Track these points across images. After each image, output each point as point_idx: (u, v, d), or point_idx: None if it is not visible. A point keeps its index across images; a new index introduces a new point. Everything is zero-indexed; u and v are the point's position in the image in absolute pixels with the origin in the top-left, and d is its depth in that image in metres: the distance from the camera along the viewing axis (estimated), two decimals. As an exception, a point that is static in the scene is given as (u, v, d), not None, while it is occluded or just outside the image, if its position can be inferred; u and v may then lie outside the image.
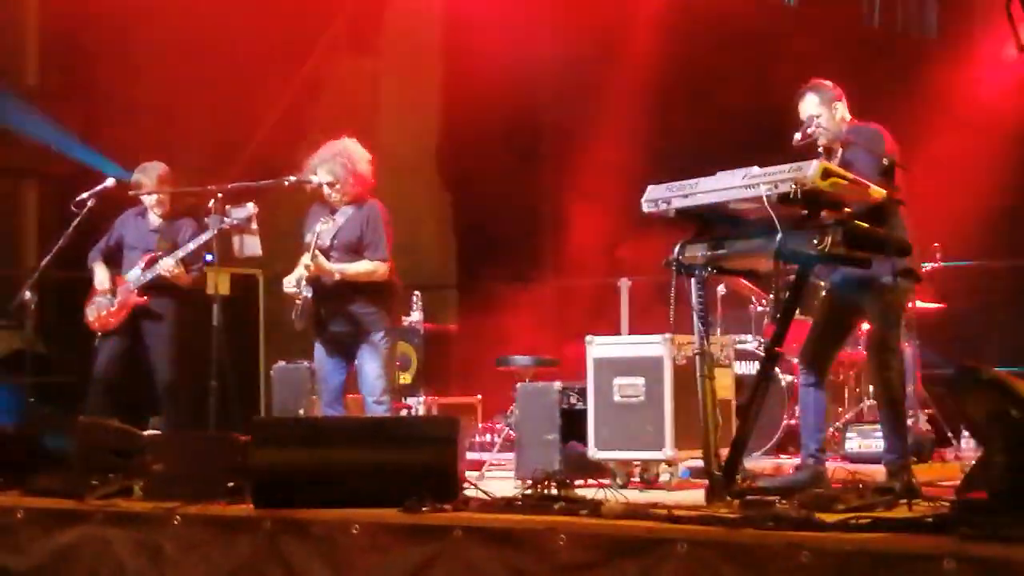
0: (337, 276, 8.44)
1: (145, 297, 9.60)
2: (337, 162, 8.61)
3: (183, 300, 9.70)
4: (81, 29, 12.97)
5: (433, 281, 13.73)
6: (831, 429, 10.02)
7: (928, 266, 9.80)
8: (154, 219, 9.85)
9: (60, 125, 12.46)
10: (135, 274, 9.60)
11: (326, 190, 8.63)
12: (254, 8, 12.69)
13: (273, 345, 11.47)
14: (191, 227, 9.70)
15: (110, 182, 9.81)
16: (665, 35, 13.21)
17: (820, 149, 7.72)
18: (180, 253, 9.42)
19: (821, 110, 7.73)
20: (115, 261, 9.86)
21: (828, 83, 7.89)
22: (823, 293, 8.43)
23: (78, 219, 9.71)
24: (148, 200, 9.78)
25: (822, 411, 7.87)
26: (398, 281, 8.84)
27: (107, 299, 9.68)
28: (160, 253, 9.58)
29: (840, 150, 7.64)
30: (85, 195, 9.75)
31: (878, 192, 6.98)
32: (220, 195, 9.16)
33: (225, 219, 9.12)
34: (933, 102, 11.92)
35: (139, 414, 9.94)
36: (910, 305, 7.93)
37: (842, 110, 7.77)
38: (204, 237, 9.19)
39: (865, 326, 8.30)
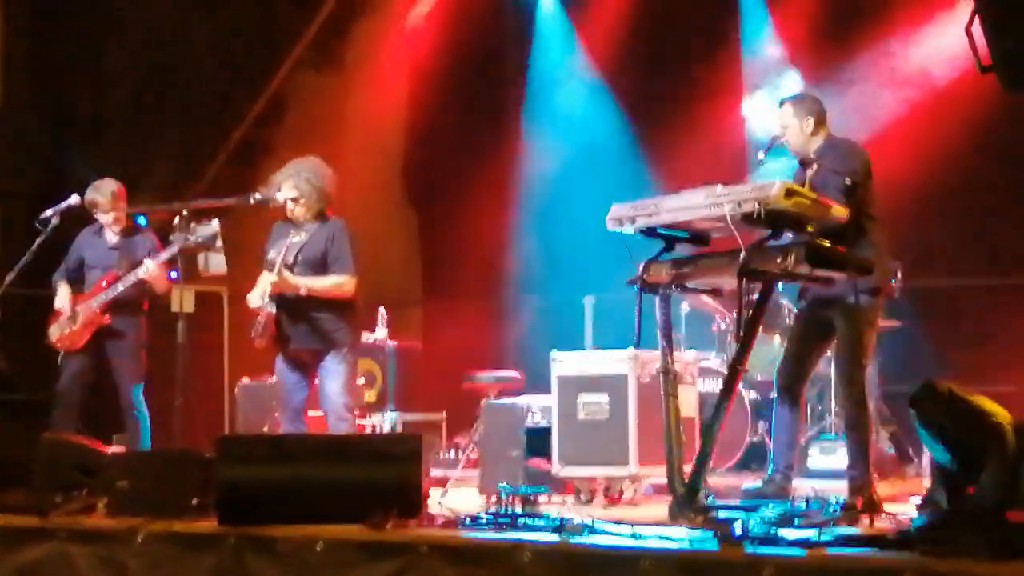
0: (304, 291, 8.41)
1: (107, 316, 9.57)
2: (302, 178, 8.60)
3: (145, 317, 9.69)
4: (47, 45, 12.95)
5: (398, 298, 13.73)
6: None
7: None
8: (111, 236, 9.83)
9: (23, 142, 12.42)
10: (99, 297, 9.56)
11: (290, 206, 8.61)
12: (221, 25, 12.68)
13: (237, 362, 11.45)
14: (150, 242, 9.70)
15: (74, 199, 9.77)
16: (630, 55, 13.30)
17: (798, 162, 7.81)
18: (163, 255, 9.30)
19: (792, 121, 7.81)
20: (77, 280, 9.84)
21: (810, 96, 7.96)
22: (787, 312, 8.50)
23: (42, 236, 9.67)
24: (104, 218, 9.77)
25: (795, 429, 7.96)
26: (360, 298, 8.82)
27: (70, 319, 9.65)
28: (121, 271, 9.56)
29: (815, 166, 7.71)
30: (49, 212, 9.71)
31: (840, 212, 7.03)
32: (185, 212, 9.14)
33: (190, 236, 9.10)
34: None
35: (103, 431, 9.89)
36: (876, 322, 7.98)
37: (814, 124, 7.82)
38: (174, 249, 9.13)
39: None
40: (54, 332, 9.73)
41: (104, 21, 13.03)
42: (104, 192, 9.77)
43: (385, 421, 10.94)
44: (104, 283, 9.56)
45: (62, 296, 9.76)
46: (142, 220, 9.94)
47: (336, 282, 8.51)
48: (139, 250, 9.63)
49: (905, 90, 11.96)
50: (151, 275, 9.38)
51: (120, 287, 9.49)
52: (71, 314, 9.64)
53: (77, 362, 9.67)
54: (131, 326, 9.64)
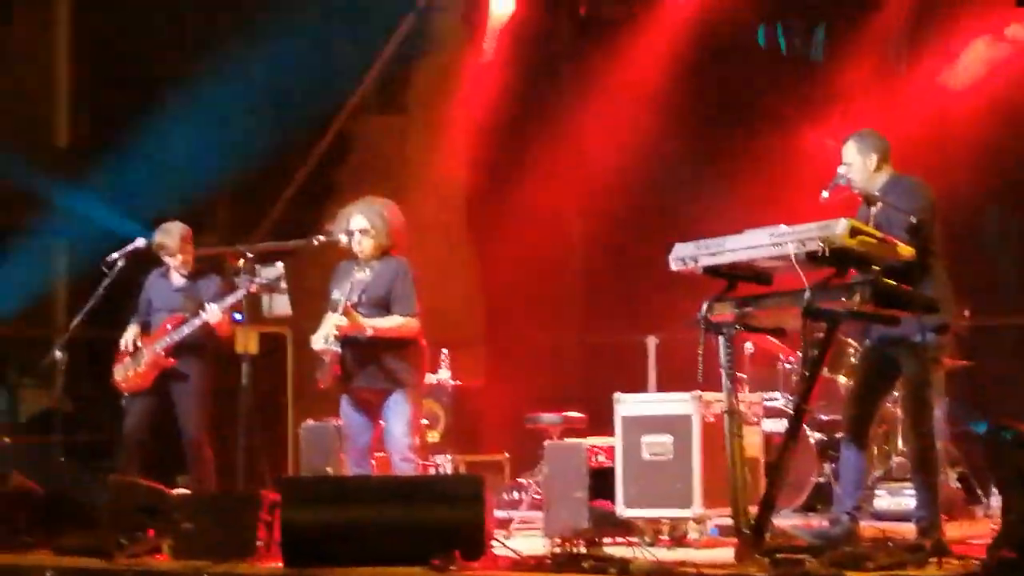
0: (370, 331, 8.41)
1: (171, 359, 9.60)
2: (374, 211, 8.61)
3: (210, 360, 9.72)
4: (111, 89, 13.08)
5: (461, 338, 13.72)
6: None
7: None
8: (177, 279, 9.86)
9: (89, 186, 12.53)
10: (164, 340, 9.60)
11: (357, 238, 8.57)
12: (282, 66, 12.77)
13: (301, 404, 11.48)
14: (215, 284, 9.73)
15: (140, 242, 9.84)
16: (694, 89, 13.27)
17: (861, 200, 7.76)
18: (229, 300, 9.35)
19: (855, 159, 7.77)
20: (147, 323, 9.88)
21: (874, 133, 7.92)
22: (852, 352, 8.43)
23: (108, 279, 9.74)
24: (171, 261, 9.81)
25: (862, 470, 7.90)
26: (424, 338, 8.82)
27: (134, 360, 9.69)
28: (186, 314, 9.59)
29: (879, 203, 7.66)
30: (115, 255, 9.79)
31: (906, 250, 6.98)
32: (249, 255, 9.20)
33: (254, 279, 9.15)
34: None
35: (167, 473, 9.94)
36: (944, 361, 7.91)
37: (878, 161, 7.79)
38: (240, 292, 9.17)
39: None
40: (119, 373, 9.78)
41: (168, 61, 13.17)
42: (172, 235, 9.82)
43: (448, 462, 10.92)
44: (168, 326, 9.60)
45: (128, 337, 9.81)
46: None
47: (399, 323, 8.51)
48: (204, 292, 9.66)
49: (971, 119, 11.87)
50: (214, 320, 9.40)
51: (185, 330, 9.52)
52: (135, 355, 9.69)
53: (141, 404, 9.71)
54: (195, 368, 9.66)
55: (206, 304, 9.41)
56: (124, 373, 9.74)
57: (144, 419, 9.70)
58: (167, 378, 9.67)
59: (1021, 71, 11.42)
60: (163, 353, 9.58)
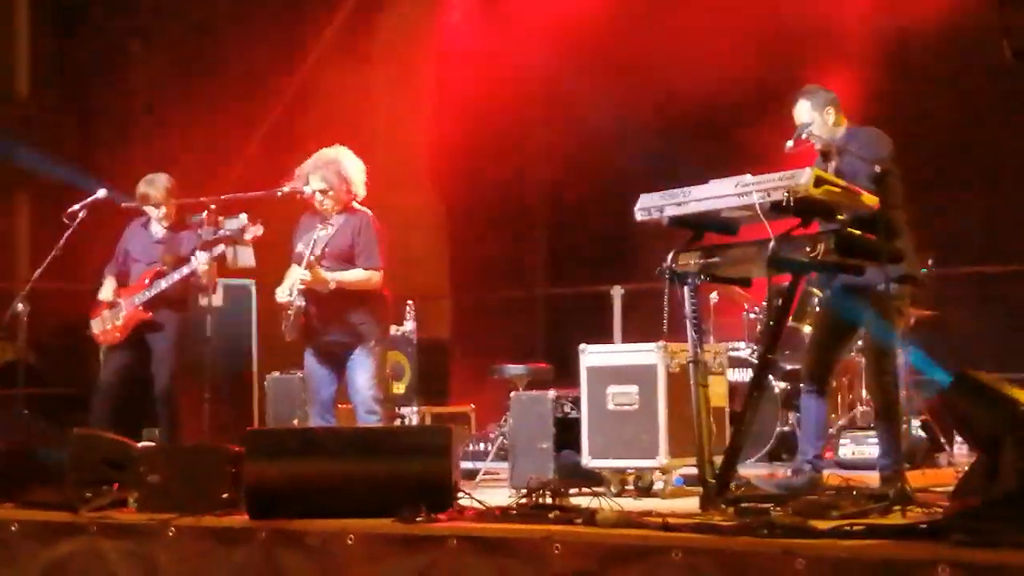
0: (333, 285, 8.41)
1: (150, 313, 9.55)
2: (330, 169, 8.60)
3: (185, 311, 9.65)
4: (72, 42, 12.99)
5: (427, 291, 13.72)
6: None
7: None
8: (157, 230, 9.78)
9: (50, 137, 12.44)
10: (143, 294, 9.53)
11: (318, 197, 8.61)
12: (246, 19, 12.69)
13: (266, 356, 11.46)
14: (196, 238, 9.63)
15: (101, 193, 9.77)
16: (654, 43, 13.22)
17: (818, 154, 7.77)
18: (216, 251, 9.23)
19: (813, 115, 7.77)
20: (123, 273, 9.81)
21: (820, 88, 7.92)
22: (816, 301, 8.44)
23: (70, 230, 9.68)
24: (154, 212, 9.73)
25: (823, 419, 7.93)
26: (389, 291, 8.82)
27: (112, 313, 9.63)
28: (164, 267, 9.53)
29: (837, 156, 7.67)
30: (76, 206, 9.72)
31: (871, 199, 6.98)
32: (212, 206, 9.14)
33: (218, 230, 9.11)
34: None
35: (133, 426, 9.91)
36: (907, 310, 7.94)
37: (835, 114, 7.80)
38: (222, 246, 9.08)
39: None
40: (96, 326, 9.72)
41: (129, 15, 13.07)
42: (158, 186, 9.71)
43: (413, 413, 10.93)
44: (147, 280, 9.53)
45: (107, 289, 9.73)
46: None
47: (364, 276, 8.51)
48: (184, 246, 9.56)
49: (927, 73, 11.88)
50: (204, 269, 9.28)
51: (163, 284, 9.45)
52: (112, 308, 9.63)
53: (119, 357, 9.65)
54: (172, 321, 9.60)
55: (197, 254, 9.26)
56: (102, 326, 9.68)
57: (120, 372, 9.65)
58: (143, 330, 9.61)
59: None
60: (141, 307, 9.53)
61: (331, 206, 8.61)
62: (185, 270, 9.30)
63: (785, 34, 12.21)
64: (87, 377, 10.65)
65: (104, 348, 9.74)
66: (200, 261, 9.20)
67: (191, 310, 9.57)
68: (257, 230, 8.92)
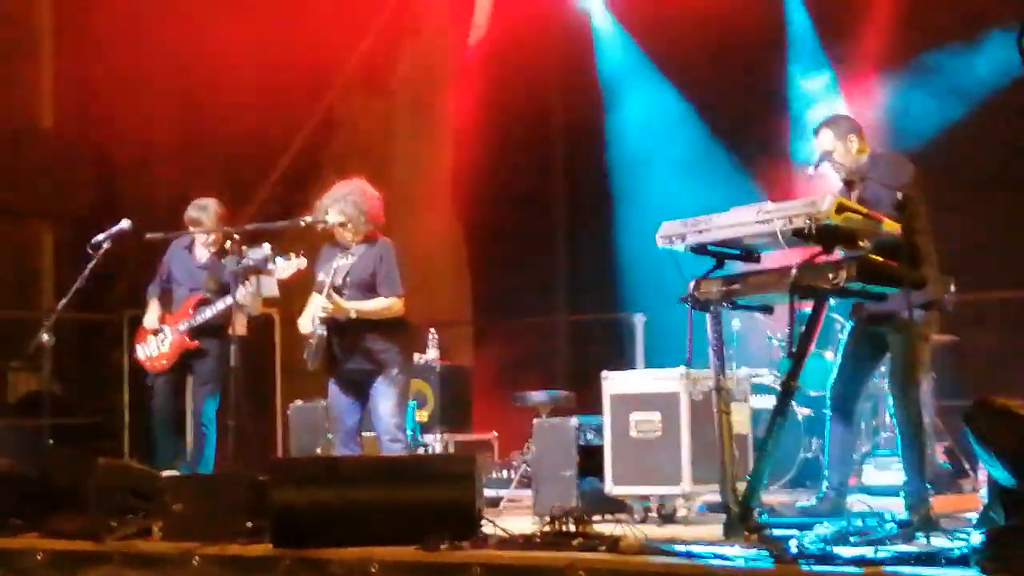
0: (353, 314, 8.45)
1: (196, 342, 9.55)
2: (348, 202, 8.64)
3: (226, 337, 9.64)
4: (95, 71, 13.05)
5: (449, 318, 13.75)
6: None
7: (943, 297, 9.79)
8: (202, 255, 9.78)
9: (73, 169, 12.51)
10: (188, 322, 9.54)
11: (338, 230, 8.66)
12: (268, 49, 12.75)
13: (290, 385, 11.49)
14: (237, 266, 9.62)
15: (126, 224, 9.79)
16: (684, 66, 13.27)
17: (841, 183, 7.78)
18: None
19: (836, 145, 7.78)
20: (166, 292, 9.83)
21: (843, 116, 7.93)
22: (840, 328, 8.43)
23: (94, 261, 9.71)
24: (201, 237, 9.73)
25: (849, 446, 7.95)
26: (411, 318, 8.84)
27: (157, 340, 9.64)
28: (208, 295, 9.53)
29: (860, 183, 7.67)
30: (101, 237, 9.74)
31: (892, 226, 6.99)
32: (236, 236, 9.18)
33: (242, 260, 9.14)
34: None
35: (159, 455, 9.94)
36: (932, 336, 7.94)
37: (857, 142, 7.81)
38: (276, 277, 9.07)
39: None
40: (141, 352, 9.72)
41: (152, 45, 13.13)
42: (209, 212, 9.71)
43: (436, 442, 10.94)
44: (191, 309, 9.53)
45: (151, 315, 9.75)
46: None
47: (384, 305, 8.54)
48: (227, 272, 9.57)
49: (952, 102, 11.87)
50: (246, 300, 9.28)
51: (208, 313, 9.45)
52: (158, 335, 9.64)
53: (167, 382, 9.66)
54: (215, 347, 9.60)
55: (240, 286, 9.23)
56: (147, 352, 9.69)
57: (172, 397, 9.66)
58: (188, 356, 9.62)
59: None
60: (187, 334, 9.53)
61: (351, 237, 8.65)
62: (229, 299, 9.28)
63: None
64: (111, 407, 10.68)
65: (151, 375, 9.74)
66: (243, 292, 9.19)
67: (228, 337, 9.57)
68: (300, 263, 8.88)
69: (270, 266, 9.06)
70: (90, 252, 9.75)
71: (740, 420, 8.35)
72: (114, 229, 9.80)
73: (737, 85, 12.90)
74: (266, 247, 9.12)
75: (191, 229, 9.71)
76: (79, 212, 12.59)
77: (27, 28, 13.69)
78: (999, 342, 11.41)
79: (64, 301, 9.87)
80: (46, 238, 13.71)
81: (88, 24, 13.08)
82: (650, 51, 13.68)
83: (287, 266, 8.87)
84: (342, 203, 8.64)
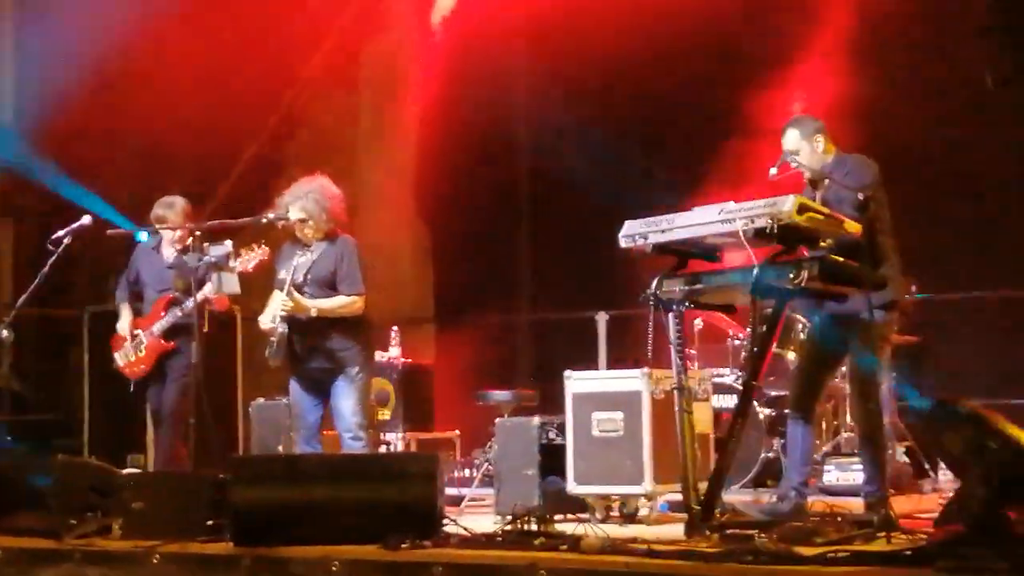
0: (314, 312, 8.43)
1: (172, 343, 9.48)
2: (310, 199, 8.62)
3: (199, 336, 9.60)
4: (58, 64, 12.97)
5: (411, 315, 13.73)
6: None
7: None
8: (169, 254, 9.71)
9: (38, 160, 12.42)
10: (160, 324, 9.48)
11: (298, 227, 8.64)
12: (232, 44, 12.70)
13: (251, 382, 11.45)
14: (204, 264, 9.56)
15: (86, 219, 9.74)
16: (643, 66, 13.26)
17: (806, 182, 7.80)
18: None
19: (801, 144, 7.80)
20: (134, 295, 9.76)
21: (809, 116, 7.96)
22: (801, 327, 8.46)
23: (54, 256, 9.66)
24: (169, 235, 9.66)
25: (809, 446, 7.94)
26: (373, 316, 8.83)
27: (133, 345, 9.56)
28: (177, 294, 9.47)
29: (823, 184, 7.70)
30: (61, 232, 9.69)
31: (854, 227, 7.02)
32: (198, 232, 9.14)
33: (204, 257, 9.10)
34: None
35: (118, 452, 9.90)
36: (891, 337, 7.98)
37: (824, 142, 7.83)
38: (238, 270, 9.02)
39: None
40: (120, 359, 9.61)
41: (114, 40, 13.05)
42: (176, 209, 9.63)
43: (399, 440, 10.93)
44: (162, 311, 9.44)
45: (124, 321, 9.66)
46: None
47: (344, 302, 8.53)
48: (196, 270, 9.52)
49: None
50: (215, 296, 9.23)
51: (179, 312, 9.38)
52: (134, 340, 9.57)
53: (154, 386, 9.56)
54: (189, 345, 9.55)
55: (208, 281, 9.19)
56: (126, 359, 9.60)
57: (159, 403, 9.57)
58: (164, 357, 9.53)
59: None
60: (161, 337, 9.45)
61: (311, 234, 8.64)
62: (199, 297, 9.23)
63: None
64: (71, 403, 10.61)
65: (133, 382, 9.65)
66: (211, 289, 9.14)
67: (203, 333, 9.52)
68: (262, 252, 8.86)
69: (232, 263, 9.04)
70: (50, 248, 9.69)
71: (702, 419, 8.37)
72: (75, 225, 9.75)
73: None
74: (227, 244, 9.09)
75: (156, 227, 9.65)
76: (39, 207, 12.50)
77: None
78: (959, 341, 11.46)
79: (24, 297, 9.83)
80: (5, 233, 13.62)
81: (49, 21, 12.99)
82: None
83: (249, 258, 8.85)
84: (303, 200, 8.63)
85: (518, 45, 14.01)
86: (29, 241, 12.16)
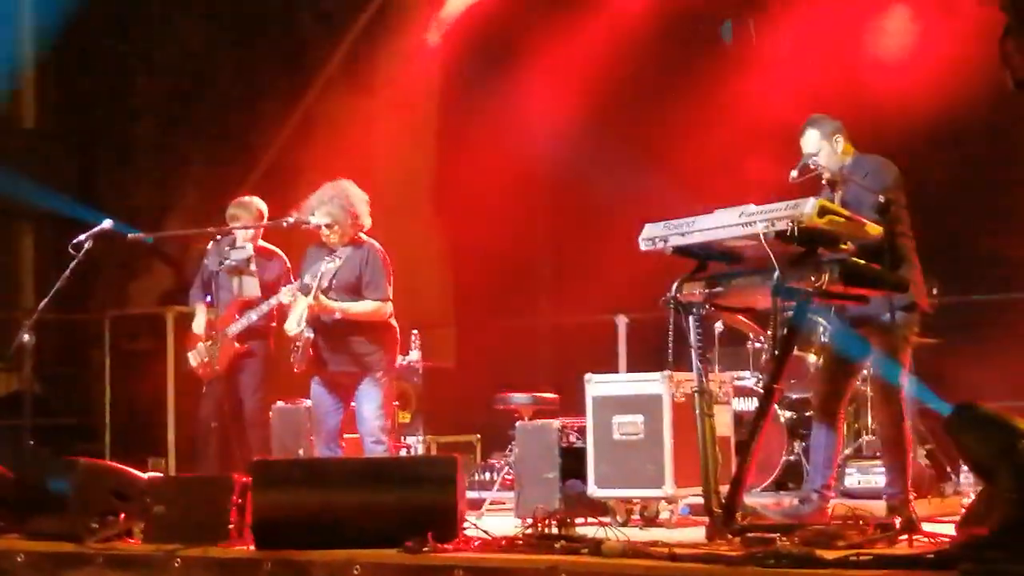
0: (339, 315, 8.45)
1: (246, 345, 9.47)
2: (335, 203, 8.63)
3: (270, 339, 9.59)
4: (78, 73, 13.04)
5: (431, 320, 13.74)
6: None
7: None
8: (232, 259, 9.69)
9: (56, 168, 12.47)
10: (236, 326, 9.47)
11: (324, 231, 8.65)
12: (250, 49, 12.73)
13: (272, 385, 11.46)
14: (279, 265, 9.57)
15: (107, 223, 9.76)
16: (657, 72, 13.26)
17: (824, 183, 7.79)
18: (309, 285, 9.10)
19: (821, 145, 7.79)
20: (208, 294, 9.77)
21: (827, 117, 7.94)
22: (822, 330, 8.44)
23: (75, 261, 9.67)
24: (242, 235, 9.64)
25: (833, 448, 7.93)
26: (396, 321, 8.84)
27: (208, 347, 9.56)
28: (253, 297, 9.42)
29: (843, 185, 7.69)
30: (82, 237, 9.70)
31: (875, 229, 7.01)
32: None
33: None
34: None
35: (137, 455, 9.91)
36: (913, 339, 7.96)
37: (843, 143, 7.81)
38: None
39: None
40: (194, 359, 9.59)
41: (132, 48, 13.12)
42: (251, 209, 9.63)
43: (419, 443, 10.93)
44: (236, 314, 9.43)
45: (199, 321, 9.66)
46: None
47: (371, 308, 8.56)
48: (268, 272, 9.51)
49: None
50: (290, 300, 9.23)
51: (254, 316, 9.34)
52: (210, 342, 9.57)
53: (218, 389, 9.55)
54: (261, 349, 9.55)
55: (284, 287, 9.18)
56: (200, 359, 9.57)
57: (219, 405, 9.53)
58: (237, 360, 9.53)
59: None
60: (234, 339, 9.44)
61: (337, 239, 8.65)
62: (273, 301, 9.20)
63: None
64: (92, 407, 10.64)
65: (206, 383, 9.64)
66: (286, 292, 9.11)
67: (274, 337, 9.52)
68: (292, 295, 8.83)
69: (252, 266, 9.05)
70: (72, 252, 9.71)
71: (723, 422, 8.36)
72: (96, 229, 9.76)
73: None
74: (248, 247, 9.11)
75: (229, 225, 9.59)
76: (60, 212, 12.54)
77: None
78: (983, 343, 11.42)
79: (45, 301, 9.84)
80: (27, 238, 13.67)
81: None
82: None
83: (286, 291, 8.85)
84: (329, 205, 8.64)
85: (537, 42, 13.99)
86: (50, 245, 12.20)
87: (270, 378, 9.56)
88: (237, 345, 9.40)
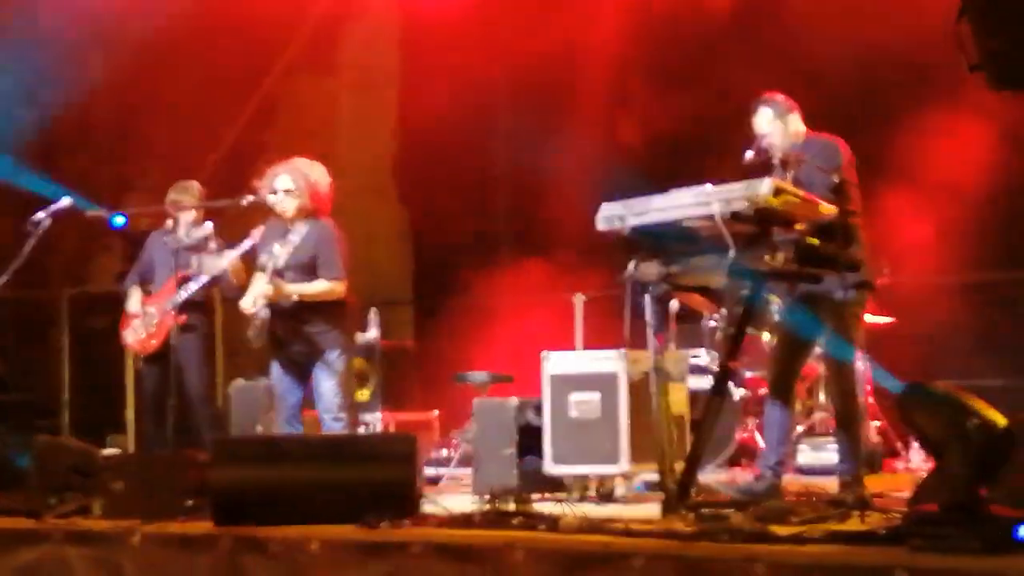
0: (295, 297, 8.49)
1: (184, 316, 9.49)
2: (300, 172, 8.68)
3: (211, 315, 9.62)
4: (35, 52, 12.95)
5: (390, 298, 13.76)
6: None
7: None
8: (184, 237, 9.72)
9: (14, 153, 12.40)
10: (174, 299, 9.47)
11: (281, 197, 8.64)
12: (211, 29, 12.70)
13: (231, 363, 11.48)
14: (215, 242, 9.61)
15: (66, 201, 9.75)
16: (619, 52, 13.29)
17: (776, 164, 7.83)
18: (245, 245, 9.07)
19: (774, 123, 7.82)
20: (147, 281, 9.77)
21: (780, 96, 7.98)
22: (776, 309, 8.51)
23: (33, 239, 9.65)
24: (186, 216, 9.67)
25: (786, 427, 7.98)
26: (353, 299, 8.87)
27: (144, 322, 9.57)
28: (190, 271, 9.47)
29: (797, 164, 7.73)
30: (41, 214, 9.69)
31: (828, 209, 7.07)
32: (176, 214, 9.14)
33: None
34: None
35: (97, 432, 9.91)
36: (864, 318, 8.03)
37: (795, 123, 7.86)
38: (249, 242, 9.01)
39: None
40: (130, 336, 9.64)
41: (90, 23, 13.03)
42: (192, 192, 9.69)
43: (377, 421, 10.97)
44: (176, 285, 9.45)
45: (134, 300, 9.71)
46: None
47: (325, 288, 8.58)
48: (206, 249, 9.54)
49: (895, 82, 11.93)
50: (235, 266, 9.26)
51: (193, 287, 9.41)
52: (144, 317, 9.58)
53: (158, 365, 9.57)
54: (201, 323, 9.57)
55: (225, 252, 9.21)
56: (136, 335, 9.62)
57: (164, 380, 9.52)
58: (175, 335, 9.52)
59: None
60: (173, 312, 9.44)
61: (292, 208, 8.65)
62: (209, 275, 9.26)
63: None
64: (51, 384, 10.63)
65: (140, 359, 9.67)
66: (229, 259, 9.14)
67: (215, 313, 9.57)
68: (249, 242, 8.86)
69: (211, 244, 9.06)
70: (29, 230, 9.69)
71: (678, 400, 8.43)
72: (54, 207, 9.74)
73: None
74: (208, 225, 9.13)
75: (174, 211, 9.64)
76: (15, 191, 12.48)
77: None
78: (933, 323, 11.52)
79: (3, 279, 9.81)
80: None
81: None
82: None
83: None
84: (294, 173, 8.68)
85: (499, 27, 14.01)
86: (7, 223, 12.14)
87: (213, 353, 9.58)
88: (177, 316, 9.42)
